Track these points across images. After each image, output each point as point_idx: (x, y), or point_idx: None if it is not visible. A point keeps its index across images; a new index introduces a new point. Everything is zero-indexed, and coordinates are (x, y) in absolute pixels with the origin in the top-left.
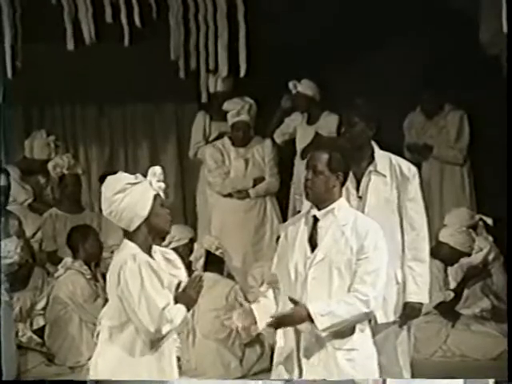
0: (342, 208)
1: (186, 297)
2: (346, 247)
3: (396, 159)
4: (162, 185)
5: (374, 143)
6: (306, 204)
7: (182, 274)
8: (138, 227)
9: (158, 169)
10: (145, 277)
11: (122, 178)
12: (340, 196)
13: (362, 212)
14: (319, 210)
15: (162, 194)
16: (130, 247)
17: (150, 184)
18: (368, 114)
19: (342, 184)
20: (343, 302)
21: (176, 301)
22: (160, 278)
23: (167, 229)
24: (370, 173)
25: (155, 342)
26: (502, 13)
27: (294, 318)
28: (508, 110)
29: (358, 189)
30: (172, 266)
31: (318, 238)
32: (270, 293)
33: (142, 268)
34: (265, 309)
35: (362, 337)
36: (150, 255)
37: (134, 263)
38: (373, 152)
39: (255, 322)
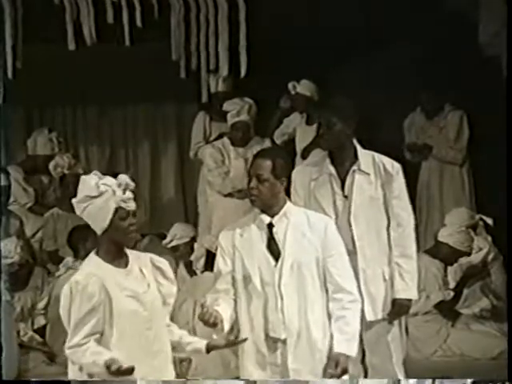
0: (292, 210)
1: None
2: (311, 246)
3: (379, 157)
4: (127, 195)
5: (356, 142)
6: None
7: (170, 286)
8: (102, 234)
9: (124, 178)
10: (73, 303)
11: (84, 187)
12: (286, 200)
13: (349, 211)
14: (271, 216)
15: (128, 204)
16: (85, 263)
17: (114, 194)
18: (346, 113)
19: (287, 188)
20: (348, 314)
21: None
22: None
23: (127, 243)
24: (353, 172)
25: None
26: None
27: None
28: (507, 111)
29: (343, 188)
30: (161, 274)
31: (277, 245)
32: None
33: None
34: (224, 313)
35: None
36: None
37: (67, 286)
38: (355, 151)
39: (221, 321)
